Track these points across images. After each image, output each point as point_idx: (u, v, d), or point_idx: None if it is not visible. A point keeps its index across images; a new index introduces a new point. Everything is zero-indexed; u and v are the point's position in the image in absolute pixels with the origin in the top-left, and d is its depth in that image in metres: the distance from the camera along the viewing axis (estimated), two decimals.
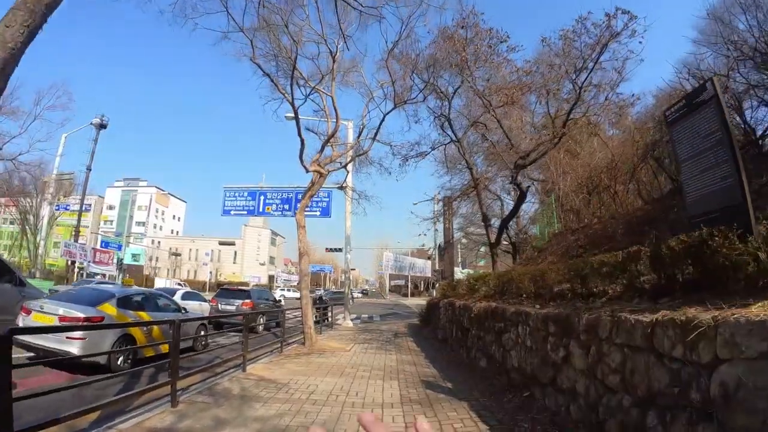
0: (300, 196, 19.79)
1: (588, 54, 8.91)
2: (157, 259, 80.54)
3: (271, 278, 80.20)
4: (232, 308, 14.62)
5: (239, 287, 16.30)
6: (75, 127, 31.71)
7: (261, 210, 20.03)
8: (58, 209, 32.13)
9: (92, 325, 6.98)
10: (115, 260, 41.79)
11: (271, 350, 9.42)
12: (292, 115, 10.72)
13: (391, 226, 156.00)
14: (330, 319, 17.67)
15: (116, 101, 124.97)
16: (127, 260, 68.16)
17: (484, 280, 8.34)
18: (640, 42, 8.93)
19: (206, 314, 15.47)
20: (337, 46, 10.52)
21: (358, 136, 12.65)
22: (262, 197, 19.94)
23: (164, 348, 8.60)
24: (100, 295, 8.02)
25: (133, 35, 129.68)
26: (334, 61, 10.63)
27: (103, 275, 41.07)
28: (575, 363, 4.11)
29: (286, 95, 9.77)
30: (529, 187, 10.52)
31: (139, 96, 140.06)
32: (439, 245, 32.29)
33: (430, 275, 33.50)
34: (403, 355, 8.91)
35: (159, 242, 78.69)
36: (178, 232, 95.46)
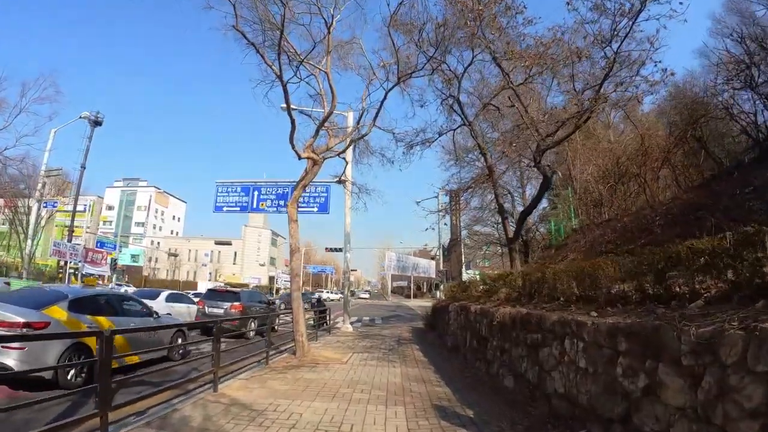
0: None
1: (623, 15, 7.61)
2: (156, 260, 79.41)
3: (271, 279, 78.86)
4: (220, 311, 13.32)
5: (228, 288, 14.98)
6: (68, 123, 30.41)
7: (255, 206, 18.77)
8: (45, 206, 30.96)
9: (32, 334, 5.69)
10: (109, 261, 40.67)
11: (258, 361, 8.12)
12: (285, 106, 9.44)
13: (393, 227, 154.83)
14: (328, 323, 16.38)
15: (118, 102, 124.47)
16: (126, 261, 67.36)
17: (506, 280, 7.03)
18: (681, 2, 7.65)
19: (194, 318, 14.22)
20: (333, 17, 9.26)
21: (358, 122, 11.38)
22: (256, 192, 18.68)
23: (131, 359, 7.37)
24: (48, 297, 6.75)
25: (132, 35, 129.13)
26: (329, 32, 9.37)
27: (101, 276, 40.05)
28: (668, 397, 2.80)
29: (272, 67, 8.50)
30: (554, 173, 9.20)
31: (141, 97, 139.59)
32: (443, 245, 30.98)
33: (434, 276, 32.19)
34: (408, 368, 7.59)
35: (159, 243, 77.55)
36: (177, 232, 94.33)
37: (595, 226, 11.93)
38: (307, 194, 17.86)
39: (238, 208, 18.94)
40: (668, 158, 10.06)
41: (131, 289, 23.67)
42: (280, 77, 8.37)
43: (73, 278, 35.12)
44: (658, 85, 8.62)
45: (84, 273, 41.00)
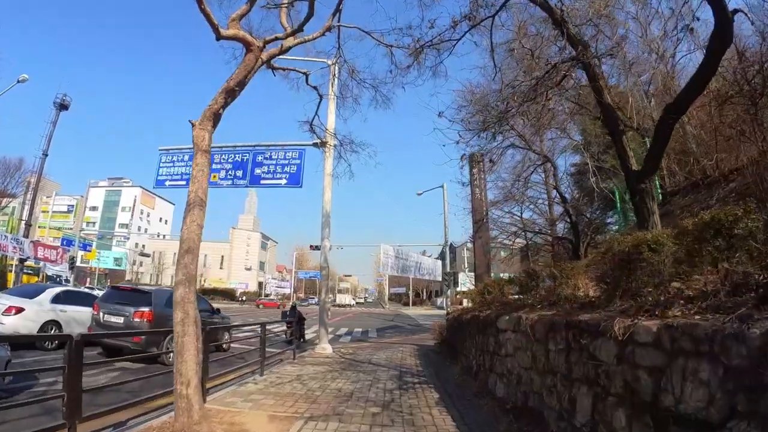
0: (260, 157, 13.71)
1: None
2: (141, 263, 73.86)
3: (260, 285, 73.59)
4: (120, 321, 8.45)
5: (136, 287, 9.80)
6: (6, 90, 25.46)
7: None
8: None
9: None
10: (67, 259, 35.59)
11: None
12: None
13: (389, 229, 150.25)
14: (301, 340, 11.49)
15: (118, 103, 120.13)
16: (109, 265, 62.06)
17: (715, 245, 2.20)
18: None
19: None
20: None
21: (333, 16, 6.60)
22: None
23: None
24: None
25: (130, 44, 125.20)
26: None
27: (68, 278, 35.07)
28: None
29: None
30: (737, 11, 4.26)
31: (144, 96, 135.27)
32: (450, 245, 26.24)
33: (441, 278, 27.32)
34: None
35: (143, 246, 72.30)
36: (165, 236, 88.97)
37: (723, 179, 7.07)
38: (274, 161, 13.03)
39: (184, 182, 14.06)
40: None
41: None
42: None
43: (24, 277, 30.23)
44: None
45: (51, 275, 36.10)
